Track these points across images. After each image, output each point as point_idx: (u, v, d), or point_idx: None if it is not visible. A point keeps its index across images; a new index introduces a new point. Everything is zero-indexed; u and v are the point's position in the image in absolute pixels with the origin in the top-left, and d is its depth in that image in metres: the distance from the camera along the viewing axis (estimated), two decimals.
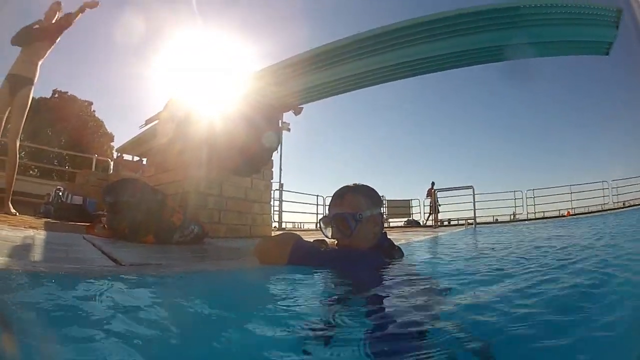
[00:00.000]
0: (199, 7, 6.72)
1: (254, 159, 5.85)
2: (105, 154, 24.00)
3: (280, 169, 12.09)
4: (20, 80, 4.75)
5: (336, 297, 1.52)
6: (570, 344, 1.06)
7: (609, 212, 14.05)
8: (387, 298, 1.48)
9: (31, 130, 19.98)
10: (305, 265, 1.93)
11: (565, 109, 52.74)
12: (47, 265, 1.81)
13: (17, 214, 4.72)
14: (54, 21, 5.05)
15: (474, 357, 1.00)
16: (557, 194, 17.51)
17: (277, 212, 12.55)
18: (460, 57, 6.08)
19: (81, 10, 5.21)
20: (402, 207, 19.23)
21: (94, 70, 40.94)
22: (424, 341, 1.04)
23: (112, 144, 28.73)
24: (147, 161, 8.28)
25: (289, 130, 8.53)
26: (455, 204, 16.79)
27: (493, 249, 4.07)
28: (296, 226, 17.78)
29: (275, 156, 7.42)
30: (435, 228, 13.48)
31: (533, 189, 17.87)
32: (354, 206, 2.12)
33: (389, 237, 2.35)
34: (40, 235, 3.29)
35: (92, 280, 1.58)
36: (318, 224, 3.01)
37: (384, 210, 16.44)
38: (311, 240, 2.27)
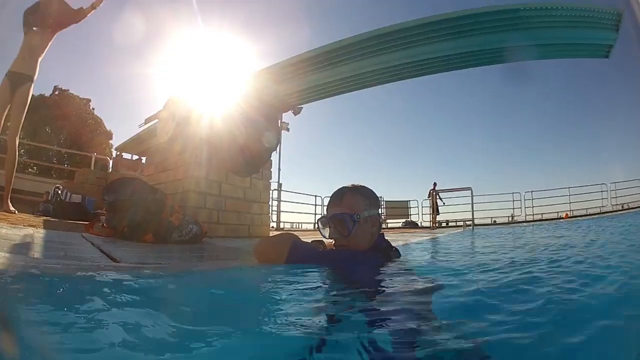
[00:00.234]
0: (199, 6, 6.70)
1: (254, 159, 5.86)
2: (104, 152, 24.00)
3: (279, 169, 12.10)
4: (20, 78, 4.75)
5: (333, 297, 1.53)
6: (570, 344, 1.07)
7: (607, 214, 14.08)
8: (384, 299, 1.49)
9: (31, 128, 20.00)
10: (303, 265, 1.94)
11: (565, 111, 52.73)
12: (47, 264, 1.82)
13: (16, 211, 4.72)
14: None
15: (470, 357, 1.01)
16: (555, 196, 17.59)
17: (276, 212, 12.55)
18: (459, 59, 6.09)
19: (93, 7, 5.22)
20: (400, 208, 19.22)
21: (94, 68, 40.87)
22: (419, 345, 1.05)
23: (110, 142, 28.75)
24: (146, 160, 8.28)
25: (287, 130, 8.54)
26: (453, 206, 16.83)
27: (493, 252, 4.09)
28: (294, 226, 17.80)
29: (274, 156, 7.43)
30: (432, 229, 13.51)
31: (531, 191, 17.95)
32: (352, 207, 2.13)
33: (386, 237, 2.37)
34: (39, 233, 3.30)
35: (91, 279, 1.59)
36: (316, 224, 3.02)
37: (382, 211, 16.46)
38: (309, 240, 2.29)
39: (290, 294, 1.51)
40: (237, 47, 8.96)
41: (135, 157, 12.73)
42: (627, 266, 2.34)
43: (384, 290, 1.62)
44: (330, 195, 2.27)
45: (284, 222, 13.97)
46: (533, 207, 17.83)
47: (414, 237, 6.73)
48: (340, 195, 2.20)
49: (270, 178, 6.97)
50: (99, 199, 6.25)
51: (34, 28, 4.88)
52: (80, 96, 29.06)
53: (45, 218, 5.32)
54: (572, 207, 17.18)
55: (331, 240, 2.20)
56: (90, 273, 1.71)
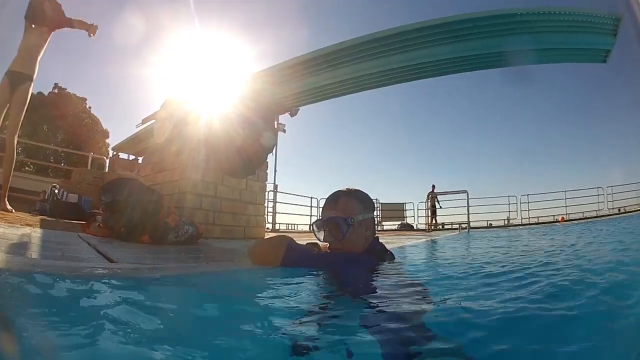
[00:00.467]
0: (197, 7, 6.71)
1: (251, 161, 5.87)
2: (101, 151, 23.94)
3: (275, 171, 12.11)
4: (19, 77, 4.76)
5: (326, 300, 1.55)
6: (570, 345, 1.09)
7: (604, 218, 14.13)
8: (376, 302, 1.51)
9: (30, 126, 19.93)
10: (297, 267, 1.97)
11: (562, 115, 52.97)
12: (44, 264, 1.84)
13: (13, 210, 4.73)
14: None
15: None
16: (552, 199, 17.61)
17: (271, 214, 12.56)
18: (457, 63, 6.11)
19: (83, 27, 5.24)
20: (396, 211, 19.25)
21: (92, 68, 40.79)
22: (408, 350, 1.06)
23: (107, 140, 28.70)
24: (143, 160, 8.27)
25: (284, 131, 8.55)
26: (449, 209, 16.87)
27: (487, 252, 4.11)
28: (290, 228, 17.80)
29: (270, 157, 7.43)
30: (428, 232, 13.54)
31: (527, 194, 18.00)
32: (347, 210, 2.16)
33: (380, 241, 2.40)
34: (36, 233, 3.31)
35: (88, 281, 1.61)
36: (311, 227, 3.04)
37: (377, 213, 16.50)
38: (304, 243, 2.32)
39: (283, 297, 1.53)
40: (235, 48, 8.97)
41: (132, 157, 12.72)
42: (626, 266, 2.37)
43: (376, 294, 1.64)
44: (325, 197, 2.30)
45: (279, 223, 14.00)
46: (529, 210, 17.90)
47: (409, 240, 6.75)
48: (335, 199, 2.23)
49: (266, 179, 6.98)
50: (95, 199, 6.25)
51: (32, 25, 4.89)
52: (77, 95, 29.06)
53: (42, 217, 5.32)
54: (568, 210, 17.26)
55: (326, 243, 2.22)
56: (88, 274, 1.73)
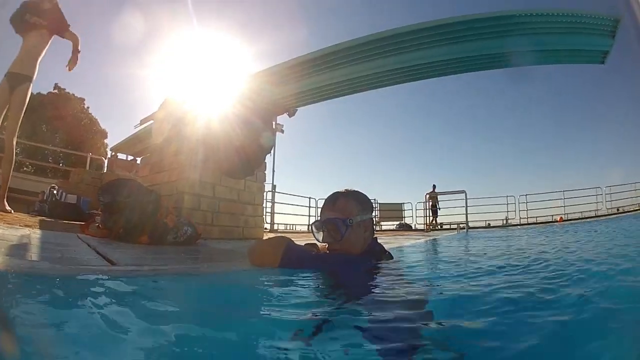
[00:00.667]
0: (195, 7, 6.72)
1: (249, 161, 5.88)
2: (99, 152, 23.91)
3: (273, 171, 12.14)
4: (18, 78, 4.75)
5: (324, 301, 1.56)
6: (569, 345, 1.10)
7: (602, 218, 14.14)
8: (374, 303, 1.52)
9: (29, 127, 19.90)
10: (296, 268, 1.98)
11: (560, 115, 53.07)
12: (44, 266, 1.85)
13: (12, 211, 4.73)
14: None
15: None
16: (550, 199, 17.62)
17: (269, 214, 12.56)
18: (455, 64, 6.13)
19: (73, 44, 5.26)
20: (394, 211, 19.26)
21: (90, 68, 40.67)
22: (408, 350, 1.07)
23: (105, 141, 28.63)
24: (141, 161, 8.27)
25: (282, 131, 8.56)
26: (448, 209, 16.89)
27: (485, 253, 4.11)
28: (288, 228, 17.80)
29: (268, 158, 7.44)
30: (427, 232, 13.55)
31: (526, 194, 18.00)
32: (345, 211, 2.16)
33: (379, 241, 2.41)
34: (35, 234, 3.31)
35: (88, 282, 1.62)
36: (310, 228, 3.05)
37: (375, 213, 16.50)
38: (302, 243, 2.32)
39: (282, 298, 1.54)
40: (234, 49, 8.98)
41: (130, 157, 12.73)
42: (626, 265, 2.38)
43: (374, 294, 1.65)
44: (324, 198, 2.31)
45: (277, 223, 14.00)
46: (527, 210, 17.90)
47: (408, 240, 6.75)
48: (334, 200, 2.23)
49: (265, 180, 6.99)
50: (94, 199, 6.24)
51: (32, 22, 4.88)
52: (76, 95, 28.99)
53: (41, 218, 5.32)
54: (566, 210, 17.28)
55: (325, 244, 2.23)
56: (88, 276, 1.74)
